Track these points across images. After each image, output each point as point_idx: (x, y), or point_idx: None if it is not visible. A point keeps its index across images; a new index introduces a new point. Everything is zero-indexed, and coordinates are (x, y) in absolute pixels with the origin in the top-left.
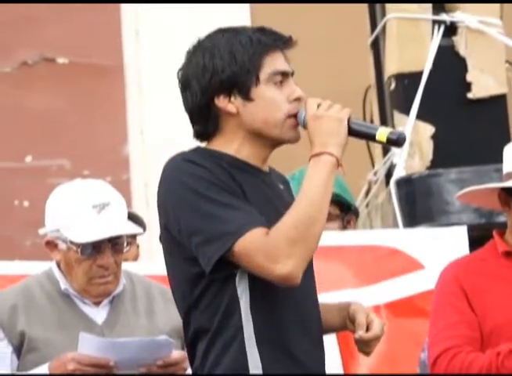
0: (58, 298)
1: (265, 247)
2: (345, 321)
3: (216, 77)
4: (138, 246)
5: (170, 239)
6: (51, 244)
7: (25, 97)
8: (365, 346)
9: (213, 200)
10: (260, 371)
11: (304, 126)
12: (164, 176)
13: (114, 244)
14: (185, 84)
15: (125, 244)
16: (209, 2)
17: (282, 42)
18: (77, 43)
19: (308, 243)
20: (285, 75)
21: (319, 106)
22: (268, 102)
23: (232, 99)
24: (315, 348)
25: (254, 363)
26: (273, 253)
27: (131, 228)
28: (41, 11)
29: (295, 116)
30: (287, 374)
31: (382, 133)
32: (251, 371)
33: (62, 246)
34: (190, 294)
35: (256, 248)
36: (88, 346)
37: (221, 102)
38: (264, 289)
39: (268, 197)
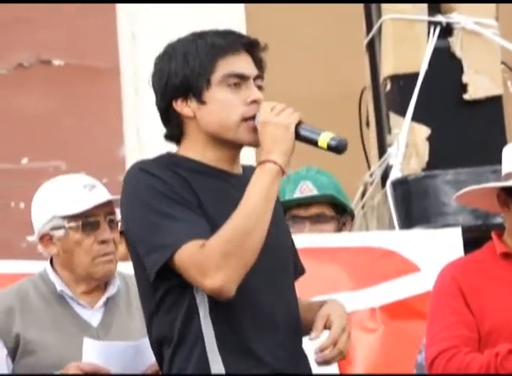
0: (53, 301)
1: (196, 261)
2: None
3: (171, 81)
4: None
5: (129, 246)
6: (45, 238)
7: (21, 99)
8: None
9: (158, 211)
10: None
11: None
12: (123, 185)
13: (110, 221)
14: (152, 89)
15: (118, 223)
16: (204, 2)
17: (240, 44)
18: (73, 45)
19: (242, 255)
20: (243, 78)
21: (273, 110)
22: (221, 105)
23: (189, 102)
24: (284, 347)
25: (217, 369)
26: (204, 266)
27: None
28: (37, 13)
29: (253, 119)
30: (285, 375)
31: (323, 139)
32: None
33: (59, 233)
34: (151, 300)
35: (189, 261)
36: (92, 351)
37: (179, 106)
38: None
39: (234, 200)
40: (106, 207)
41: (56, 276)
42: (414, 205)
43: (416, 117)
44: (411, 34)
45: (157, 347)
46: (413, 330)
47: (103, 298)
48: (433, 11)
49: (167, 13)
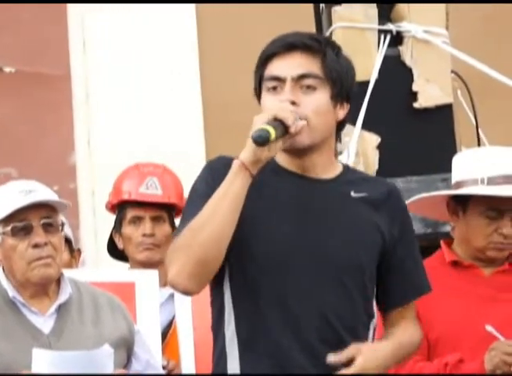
0: (4, 307)
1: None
2: None
3: None
4: (76, 251)
5: None
6: None
7: None
8: None
9: (191, 200)
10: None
11: None
12: None
13: (46, 225)
14: None
15: (60, 227)
16: (154, 3)
17: (280, 47)
18: (24, 52)
19: (190, 249)
20: (279, 80)
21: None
22: (263, 108)
23: None
24: (308, 354)
25: (233, 368)
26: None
27: (55, 197)
28: None
29: None
30: (290, 375)
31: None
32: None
33: None
34: None
35: None
36: (42, 362)
37: None
38: (246, 290)
39: (295, 202)
40: (41, 210)
41: (8, 282)
42: None
43: (366, 126)
44: (361, 43)
45: None
46: None
47: (55, 305)
48: (383, 19)
49: (117, 19)
